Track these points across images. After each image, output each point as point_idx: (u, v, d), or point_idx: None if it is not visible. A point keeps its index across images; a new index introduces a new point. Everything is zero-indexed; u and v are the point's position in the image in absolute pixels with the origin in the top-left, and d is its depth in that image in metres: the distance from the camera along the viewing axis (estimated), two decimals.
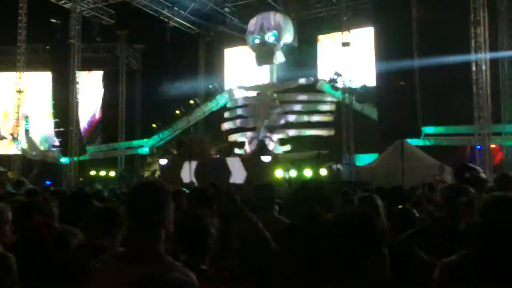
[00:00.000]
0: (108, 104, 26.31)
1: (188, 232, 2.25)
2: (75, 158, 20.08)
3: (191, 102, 24.87)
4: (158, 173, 20.42)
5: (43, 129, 24.60)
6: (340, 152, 18.42)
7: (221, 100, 25.00)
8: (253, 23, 22.53)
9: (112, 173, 20.72)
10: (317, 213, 2.48)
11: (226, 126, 23.79)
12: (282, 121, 22.22)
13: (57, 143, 22.09)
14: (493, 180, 4.32)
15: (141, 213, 1.88)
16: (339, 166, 17.68)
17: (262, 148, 20.88)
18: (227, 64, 26.84)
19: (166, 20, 23.36)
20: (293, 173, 16.11)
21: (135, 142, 24.57)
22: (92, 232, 2.80)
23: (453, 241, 2.74)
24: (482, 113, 15.47)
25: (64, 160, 20.92)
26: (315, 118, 22.14)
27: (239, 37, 24.19)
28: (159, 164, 20.08)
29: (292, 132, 22.07)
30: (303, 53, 23.16)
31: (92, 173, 20.66)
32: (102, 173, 20.64)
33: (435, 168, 13.48)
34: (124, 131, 24.98)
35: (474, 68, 15.55)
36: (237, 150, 22.31)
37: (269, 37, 22.00)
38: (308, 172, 15.74)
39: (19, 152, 20.83)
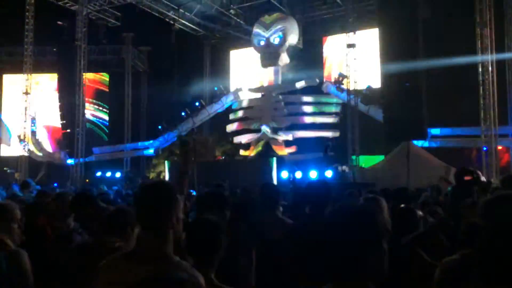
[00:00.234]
0: (114, 105, 26.44)
1: (198, 235, 2.22)
2: (81, 160, 20.20)
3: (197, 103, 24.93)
4: (164, 174, 20.46)
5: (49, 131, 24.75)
6: (345, 153, 18.39)
7: (226, 101, 25.03)
8: (258, 25, 22.56)
9: (118, 174, 20.81)
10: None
11: (231, 127, 23.81)
12: (287, 123, 22.20)
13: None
14: (499, 181, 4.30)
15: (148, 213, 1.91)
16: (344, 167, 17.65)
17: (267, 150, 20.91)
18: (232, 65, 26.89)
19: (172, 22, 23.45)
20: (298, 174, 16.08)
21: (141, 144, 24.66)
22: (104, 233, 2.79)
23: (456, 242, 2.74)
24: (488, 115, 15.40)
25: (70, 161, 21.04)
26: (320, 119, 22.11)
27: (244, 39, 24.23)
28: (166, 166, 20.10)
29: (297, 134, 22.05)
30: (308, 55, 23.16)
31: (98, 174, 20.75)
32: (108, 174, 20.72)
33: (441, 170, 13.39)
34: (130, 132, 25.11)
35: (480, 70, 15.48)
36: (242, 152, 22.32)
37: (274, 39, 22.01)
38: (313, 174, 15.71)
39: (26, 154, 20.95)
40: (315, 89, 22.86)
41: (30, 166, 21.09)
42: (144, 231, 1.91)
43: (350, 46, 18.84)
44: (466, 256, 2.09)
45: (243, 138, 23.23)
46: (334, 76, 22.46)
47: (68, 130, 20.91)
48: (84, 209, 3.40)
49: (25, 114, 20.63)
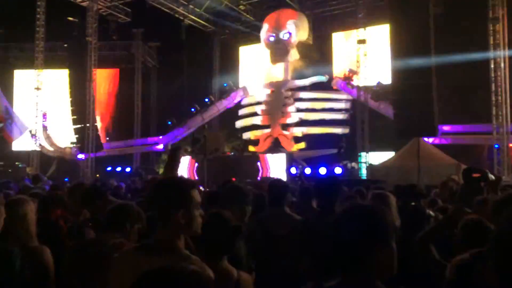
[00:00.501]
0: (124, 101, 26.60)
1: (210, 231, 2.24)
2: (92, 155, 20.36)
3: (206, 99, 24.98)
4: None
5: (61, 126, 24.96)
6: (355, 150, 18.32)
7: (235, 97, 25.04)
8: (267, 21, 22.50)
9: (128, 169, 20.97)
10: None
11: (240, 123, 23.83)
12: (297, 119, 22.16)
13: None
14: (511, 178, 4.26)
15: (160, 207, 1.97)
16: (353, 164, 17.59)
17: (276, 146, 20.90)
18: (242, 61, 26.87)
19: (182, 18, 23.49)
20: (307, 170, 16.08)
21: (150, 139, 24.80)
22: (103, 228, 2.81)
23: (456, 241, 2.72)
24: (500, 112, 15.23)
25: (81, 156, 21.22)
26: (330, 116, 22.03)
27: (254, 35, 24.19)
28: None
29: (306, 130, 22.00)
30: (318, 51, 23.06)
31: (108, 169, 20.92)
32: (118, 169, 20.89)
33: (451, 167, 13.28)
34: (139, 128, 25.25)
35: (492, 66, 15.30)
36: (251, 148, 22.34)
37: (284, 35, 21.95)
38: (323, 170, 15.68)
39: (38, 149, 21.16)
40: (324, 85, 22.78)
41: (42, 161, 21.30)
42: (157, 224, 1.97)
43: (361, 42, 18.73)
44: (477, 255, 2.07)
45: (252, 134, 23.25)
46: (344, 72, 22.35)
47: (80, 125, 21.08)
48: (94, 202, 3.44)
49: (37, 109, 20.81)
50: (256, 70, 25.39)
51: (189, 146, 19.56)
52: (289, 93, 22.68)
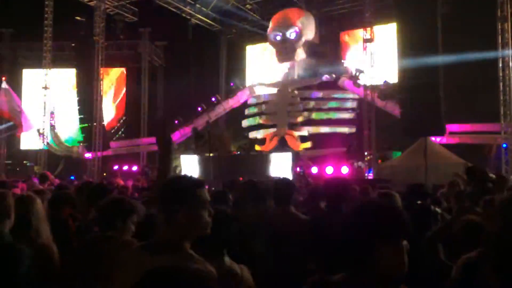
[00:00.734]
0: (131, 100, 26.71)
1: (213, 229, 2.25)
2: (99, 153, 20.47)
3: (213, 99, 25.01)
4: (180, 169, 20.61)
5: (68, 125, 25.11)
6: (361, 149, 18.25)
7: (242, 96, 25.04)
8: (274, 20, 22.48)
9: (134, 168, 21.08)
10: None
11: (246, 123, 23.83)
12: (303, 118, 22.12)
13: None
14: None
15: (163, 205, 1.97)
16: (360, 163, 17.54)
17: (282, 145, 20.88)
18: (248, 61, 26.86)
19: (188, 17, 23.54)
20: (314, 170, 16.06)
21: None
22: (100, 224, 2.80)
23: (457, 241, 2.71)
24: (508, 111, 15.11)
25: (88, 155, 21.34)
26: (337, 115, 21.97)
27: (260, 34, 24.17)
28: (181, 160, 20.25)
29: (313, 129, 21.96)
30: (324, 50, 22.99)
31: (115, 168, 21.03)
32: (125, 168, 21.00)
33: (459, 166, 13.18)
34: (146, 127, 25.34)
35: (500, 65, 15.19)
36: (257, 147, 22.33)
37: (291, 34, 21.90)
38: (329, 169, 15.67)
39: (45, 147, 21.31)
40: (331, 85, 22.71)
41: (49, 159, 21.45)
42: (162, 223, 1.97)
43: (367, 41, 18.64)
44: (484, 253, 2.06)
45: (259, 134, 23.24)
46: (350, 71, 22.28)
47: (87, 124, 21.22)
48: (100, 201, 3.45)
49: (44, 108, 20.95)
50: (262, 69, 25.37)
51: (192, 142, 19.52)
52: (296, 92, 22.64)
